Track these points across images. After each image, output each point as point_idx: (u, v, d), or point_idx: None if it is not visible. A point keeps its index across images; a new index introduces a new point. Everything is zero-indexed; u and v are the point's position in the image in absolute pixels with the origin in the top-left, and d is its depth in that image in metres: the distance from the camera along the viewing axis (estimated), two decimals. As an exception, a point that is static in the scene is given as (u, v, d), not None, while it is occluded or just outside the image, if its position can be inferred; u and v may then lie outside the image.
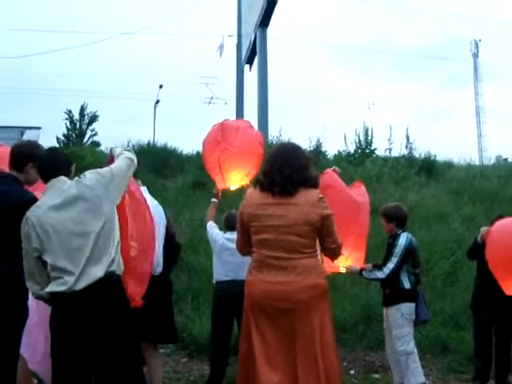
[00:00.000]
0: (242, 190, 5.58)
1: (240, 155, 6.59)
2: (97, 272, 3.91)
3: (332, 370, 4.05)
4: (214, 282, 7.03)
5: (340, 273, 6.48)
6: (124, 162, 4.28)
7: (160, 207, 5.58)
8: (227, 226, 6.93)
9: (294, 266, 4.08)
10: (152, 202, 5.29)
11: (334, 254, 4.48)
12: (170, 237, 5.93)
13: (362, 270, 6.46)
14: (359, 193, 6.49)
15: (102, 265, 3.94)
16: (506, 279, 6.92)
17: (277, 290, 4.06)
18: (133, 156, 4.39)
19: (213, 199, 7.07)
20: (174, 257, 6.24)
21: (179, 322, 7.72)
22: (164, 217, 5.68)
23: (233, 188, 6.82)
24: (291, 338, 4.05)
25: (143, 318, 4.97)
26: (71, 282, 3.85)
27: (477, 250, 7.28)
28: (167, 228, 5.88)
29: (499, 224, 7.22)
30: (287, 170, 4.18)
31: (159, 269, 5.46)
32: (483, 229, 7.28)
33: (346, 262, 6.22)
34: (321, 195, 4.22)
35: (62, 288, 3.87)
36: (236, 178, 6.70)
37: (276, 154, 4.40)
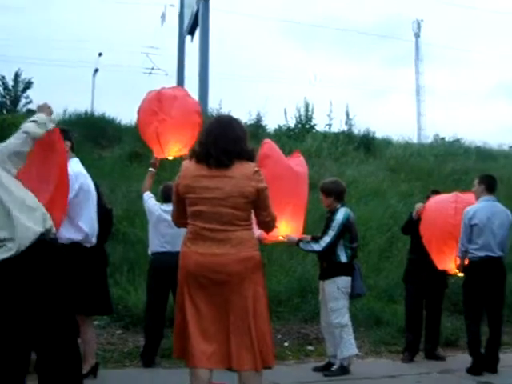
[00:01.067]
0: (179, 161, 5.51)
1: (178, 125, 6.56)
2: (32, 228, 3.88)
3: (264, 341, 4.04)
4: (149, 253, 6.97)
5: (279, 241, 6.46)
6: (16, 139, 4.16)
7: (90, 179, 5.46)
8: (164, 197, 6.86)
9: (229, 238, 4.05)
10: (83, 173, 5.19)
11: (268, 226, 4.46)
12: (102, 208, 5.86)
13: (299, 240, 6.48)
14: (298, 163, 6.51)
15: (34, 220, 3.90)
16: (439, 254, 7.09)
17: (211, 262, 4.03)
18: (32, 128, 4.24)
19: (150, 169, 7.00)
20: (107, 228, 6.16)
21: (114, 293, 7.65)
22: (94, 188, 5.55)
23: (171, 157, 6.76)
24: (225, 310, 4.04)
25: (78, 290, 4.88)
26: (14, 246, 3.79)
27: (411, 226, 7.42)
28: (99, 199, 5.80)
29: (434, 200, 7.36)
30: (223, 142, 4.11)
31: (94, 239, 5.38)
32: (418, 205, 7.42)
33: (285, 230, 6.21)
34: (257, 168, 4.17)
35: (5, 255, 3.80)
36: (174, 147, 6.66)
37: (212, 125, 4.33)
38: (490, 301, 6.88)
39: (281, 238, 6.28)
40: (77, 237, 5.35)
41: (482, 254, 6.77)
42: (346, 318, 6.46)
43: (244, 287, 4.05)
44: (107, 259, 6.30)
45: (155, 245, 6.82)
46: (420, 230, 7.24)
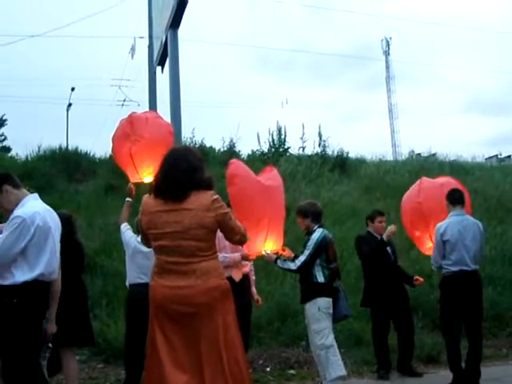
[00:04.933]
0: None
1: (151, 146, 6.59)
2: None
3: (238, 369, 4.06)
4: (127, 285, 6.96)
5: (263, 255, 6.48)
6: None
7: (54, 213, 5.28)
8: (138, 229, 6.87)
9: (193, 270, 4.08)
10: (39, 211, 5.09)
11: (241, 242, 4.57)
12: (73, 241, 5.87)
13: (277, 258, 6.52)
14: (270, 177, 6.57)
15: None
16: (417, 239, 7.56)
17: (177, 295, 4.06)
18: None
19: (127, 198, 7.00)
20: (79, 260, 6.16)
21: (94, 327, 7.59)
22: (59, 222, 5.45)
23: (146, 180, 6.76)
24: (196, 340, 4.05)
25: (58, 323, 4.90)
26: None
27: (381, 248, 7.48)
28: (72, 233, 5.80)
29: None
30: (175, 174, 4.14)
31: (54, 275, 5.29)
32: (391, 227, 7.49)
33: (265, 245, 6.27)
34: (215, 196, 4.18)
35: None
36: (149, 169, 6.65)
37: (165, 158, 4.34)
38: (468, 315, 6.89)
39: (263, 252, 6.35)
40: (31, 277, 5.14)
41: (456, 268, 6.82)
42: (330, 339, 6.44)
43: (213, 317, 4.07)
44: (86, 291, 6.30)
45: (132, 276, 6.81)
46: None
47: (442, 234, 6.89)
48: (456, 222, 6.93)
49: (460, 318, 6.92)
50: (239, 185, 6.01)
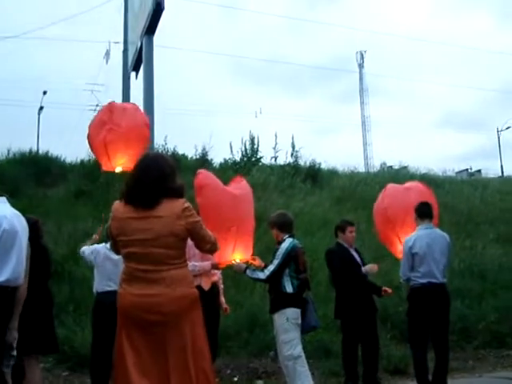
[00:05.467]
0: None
1: (126, 136, 6.66)
2: None
3: (205, 378, 4.03)
4: (94, 292, 6.90)
5: (231, 265, 6.45)
6: None
7: (22, 217, 5.14)
8: (108, 235, 6.84)
9: (163, 278, 4.04)
10: (6, 215, 5.01)
11: (211, 251, 4.53)
12: (39, 246, 5.79)
13: (246, 268, 6.49)
14: (238, 186, 6.59)
15: None
16: (391, 244, 7.67)
17: (146, 303, 4.01)
18: None
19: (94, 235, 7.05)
20: (45, 266, 6.09)
21: (60, 334, 7.51)
22: (27, 227, 5.37)
23: (118, 170, 6.83)
24: (163, 349, 4.02)
25: (22, 330, 4.82)
26: None
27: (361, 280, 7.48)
28: (38, 238, 5.73)
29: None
30: (147, 181, 4.10)
31: (20, 281, 5.22)
32: (373, 267, 7.48)
33: (234, 254, 6.26)
34: (186, 204, 4.15)
35: None
36: (121, 159, 6.71)
37: (137, 165, 4.29)
38: (435, 327, 6.93)
39: (233, 261, 6.34)
40: None
41: (424, 280, 6.85)
42: (298, 350, 6.40)
43: (181, 326, 4.04)
44: (52, 298, 6.22)
45: (101, 284, 6.77)
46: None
47: (410, 246, 6.93)
48: (424, 235, 6.98)
49: (427, 330, 6.93)
50: (207, 194, 6.01)
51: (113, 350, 6.63)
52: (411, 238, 7.00)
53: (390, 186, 7.97)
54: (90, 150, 7.19)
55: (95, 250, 6.86)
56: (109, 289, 6.61)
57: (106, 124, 6.68)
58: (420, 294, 6.89)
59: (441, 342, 6.96)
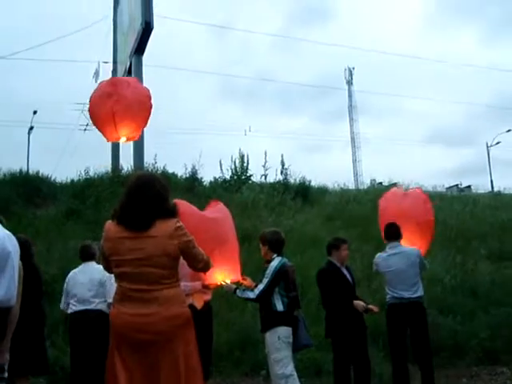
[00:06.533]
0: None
1: (132, 106, 6.92)
2: None
3: None
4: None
5: (221, 286, 6.45)
6: None
7: (13, 238, 5.04)
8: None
9: (156, 298, 4.04)
10: (3, 233, 4.98)
11: (204, 269, 4.57)
12: (30, 266, 5.76)
13: (236, 288, 6.47)
14: (215, 210, 6.65)
15: None
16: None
17: (139, 322, 4.01)
18: None
19: None
20: (37, 286, 6.07)
21: (52, 354, 7.49)
22: (18, 247, 5.34)
23: (122, 140, 7.15)
24: (156, 369, 4.00)
25: (13, 352, 4.78)
26: None
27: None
28: (29, 258, 5.71)
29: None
30: (141, 203, 4.11)
31: (12, 302, 5.19)
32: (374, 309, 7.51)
33: (222, 275, 6.25)
34: (178, 224, 4.18)
35: None
36: (127, 129, 7.00)
37: (131, 186, 4.28)
38: (413, 342, 7.32)
39: (222, 282, 6.34)
40: None
41: (392, 300, 7.38)
42: (289, 368, 6.36)
43: (174, 345, 4.03)
44: (44, 318, 6.20)
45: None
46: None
47: (378, 265, 7.58)
48: (392, 254, 7.45)
49: (401, 344, 7.33)
50: (185, 222, 6.01)
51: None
52: (379, 258, 7.61)
53: (392, 190, 8.39)
54: (92, 123, 7.43)
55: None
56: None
57: (113, 95, 6.88)
58: (392, 310, 7.42)
59: (422, 356, 7.29)
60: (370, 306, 7.60)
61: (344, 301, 7.37)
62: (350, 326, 7.30)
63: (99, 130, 7.16)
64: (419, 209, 8.01)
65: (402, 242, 7.57)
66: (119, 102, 6.83)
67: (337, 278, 7.45)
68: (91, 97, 7.14)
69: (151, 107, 7.09)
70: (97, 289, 7.04)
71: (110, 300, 5.61)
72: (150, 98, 7.18)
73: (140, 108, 6.98)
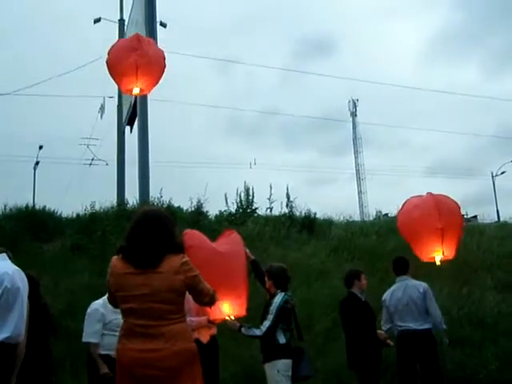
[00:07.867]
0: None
1: (152, 63, 7.57)
2: None
3: None
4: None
5: (226, 320, 6.35)
6: None
7: (23, 274, 5.16)
8: None
9: (162, 333, 4.03)
10: (8, 271, 4.99)
11: (210, 304, 4.52)
12: (38, 304, 5.77)
13: (241, 326, 6.46)
14: (227, 242, 6.55)
15: None
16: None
17: (145, 358, 3.99)
18: None
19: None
20: (48, 325, 6.06)
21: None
22: (27, 283, 5.35)
23: (135, 91, 7.73)
24: None
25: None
26: None
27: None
28: (37, 294, 5.71)
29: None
30: (150, 240, 4.11)
31: (21, 338, 5.19)
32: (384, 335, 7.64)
33: (228, 310, 6.18)
34: (184, 259, 4.17)
35: None
36: (145, 83, 7.63)
37: (138, 222, 4.28)
38: (424, 373, 7.37)
39: (227, 318, 6.26)
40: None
41: (401, 329, 7.46)
42: None
43: (181, 380, 4.02)
44: (50, 355, 6.19)
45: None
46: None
47: (383, 301, 7.68)
48: (398, 288, 7.62)
49: (410, 375, 7.44)
50: (194, 255, 5.98)
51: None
52: (387, 294, 7.72)
53: (411, 198, 8.05)
54: (109, 73, 7.80)
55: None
56: None
57: (138, 50, 7.44)
58: (400, 341, 7.51)
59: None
60: (388, 341, 7.63)
61: (369, 331, 7.37)
62: (374, 357, 7.29)
63: (116, 80, 7.75)
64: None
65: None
66: (143, 57, 7.41)
67: (361, 308, 7.48)
68: (111, 49, 7.70)
69: (165, 67, 7.69)
70: None
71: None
72: (164, 59, 7.79)
73: (158, 65, 7.62)
